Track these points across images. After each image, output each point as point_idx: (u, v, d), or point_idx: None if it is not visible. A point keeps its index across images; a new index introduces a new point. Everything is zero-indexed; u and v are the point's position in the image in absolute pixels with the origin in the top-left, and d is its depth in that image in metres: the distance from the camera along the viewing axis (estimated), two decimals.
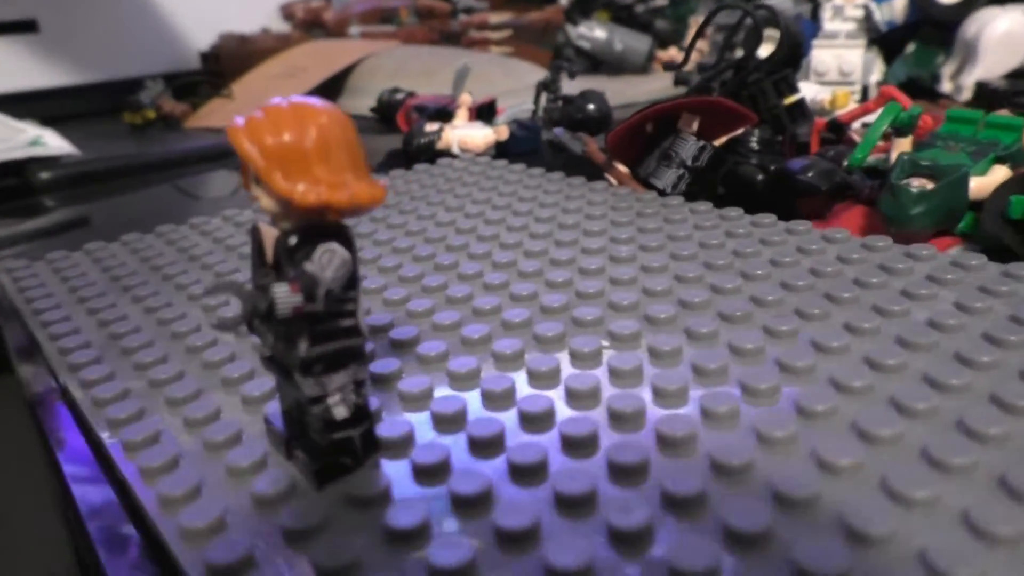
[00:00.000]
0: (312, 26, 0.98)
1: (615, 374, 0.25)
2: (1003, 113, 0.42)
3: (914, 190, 0.36)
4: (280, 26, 0.98)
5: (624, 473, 0.20)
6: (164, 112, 0.79)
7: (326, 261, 0.19)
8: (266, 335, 0.21)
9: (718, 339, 0.28)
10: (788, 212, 0.43)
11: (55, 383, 0.30)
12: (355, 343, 0.20)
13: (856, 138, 0.45)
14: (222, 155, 0.69)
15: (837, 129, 0.46)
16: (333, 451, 0.21)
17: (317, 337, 0.19)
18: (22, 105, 0.83)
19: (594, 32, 0.89)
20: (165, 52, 0.90)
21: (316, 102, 0.19)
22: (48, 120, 0.76)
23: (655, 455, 0.21)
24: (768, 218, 0.39)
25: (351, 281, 0.19)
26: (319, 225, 0.19)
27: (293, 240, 0.19)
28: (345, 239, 0.19)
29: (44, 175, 0.62)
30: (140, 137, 0.77)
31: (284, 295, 0.18)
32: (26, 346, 0.35)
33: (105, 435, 0.25)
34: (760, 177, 0.45)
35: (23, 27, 0.83)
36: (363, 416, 0.21)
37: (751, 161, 0.46)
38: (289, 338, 0.20)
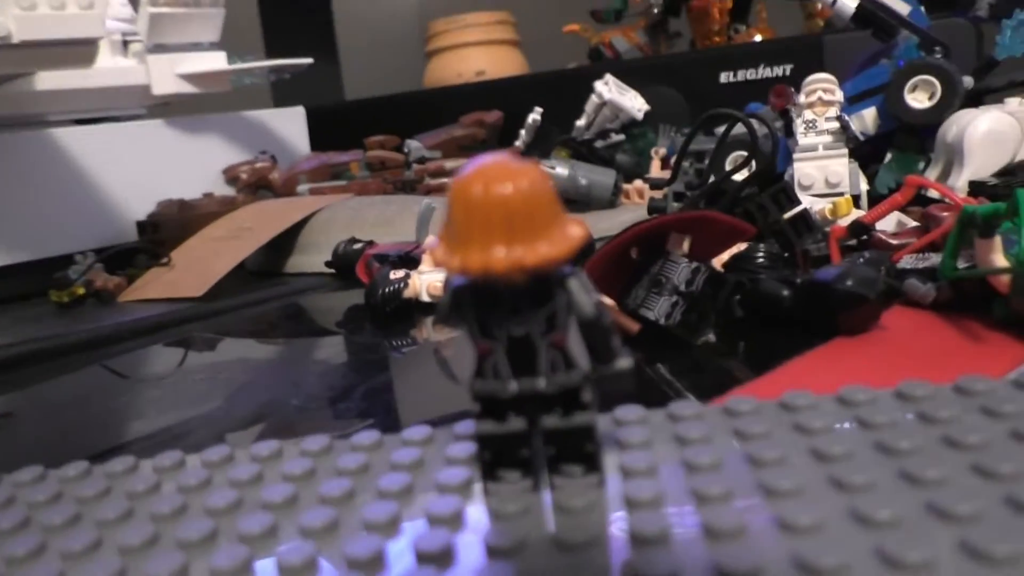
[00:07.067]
0: (259, 188, 0.94)
1: None
2: None
3: None
4: (224, 190, 0.94)
5: None
6: (96, 287, 0.71)
7: None
8: None
9: None
10: (827, 330, 0.37)
11: None
12: None
13: (887, 239, 0.39)
14: (157, 328, 0.61)
15: (862, 232, 0.40)
16: None
17: None
18: None
19: (556, 170, 0.86)
20: (99, 224, 0.84)
21: None
22: None
23: None
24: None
25: None
26: None
27: None
28: None
29: None
30: (67, 316, 0.69)
31: None
32: None
33: None
34: (786, 292, 0.38)
35: None
36: None
37: (770, 276, 0.40)
38: None
